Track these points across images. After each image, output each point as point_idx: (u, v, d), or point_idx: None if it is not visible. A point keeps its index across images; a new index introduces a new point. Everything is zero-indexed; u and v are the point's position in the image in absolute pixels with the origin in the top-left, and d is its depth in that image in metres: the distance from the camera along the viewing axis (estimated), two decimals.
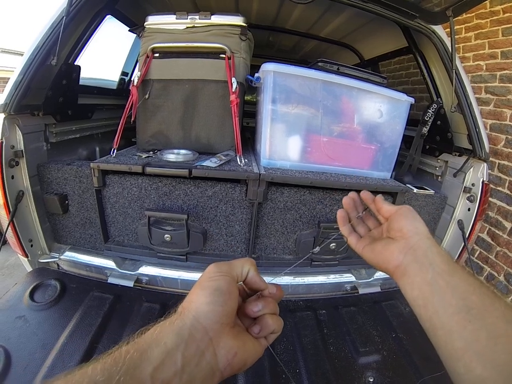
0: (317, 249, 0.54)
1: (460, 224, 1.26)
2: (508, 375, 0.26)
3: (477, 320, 0.29)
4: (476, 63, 2.11)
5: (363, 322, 1.03)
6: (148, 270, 1.15)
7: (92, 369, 0.25)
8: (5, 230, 1.03)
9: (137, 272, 1.14)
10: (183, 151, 1.18)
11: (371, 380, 0.82)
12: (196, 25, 1.15)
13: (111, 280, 1.12)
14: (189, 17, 1.15)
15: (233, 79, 1.09)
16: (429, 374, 0.84)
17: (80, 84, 1.35)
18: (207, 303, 0.31)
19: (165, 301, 1.04)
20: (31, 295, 0.96)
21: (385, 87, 1.18)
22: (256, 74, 1.13)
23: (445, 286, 0.33)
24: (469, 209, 1.25)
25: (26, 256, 1.10)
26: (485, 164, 1.21)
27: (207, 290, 0.32)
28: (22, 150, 1.03)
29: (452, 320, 0.31)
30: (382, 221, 0.47)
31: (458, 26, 2.19)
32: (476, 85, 2.10)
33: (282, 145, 1.14)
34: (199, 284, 0.33)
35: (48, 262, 1.17)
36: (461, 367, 0.29)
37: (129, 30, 1.41)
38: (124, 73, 2.03)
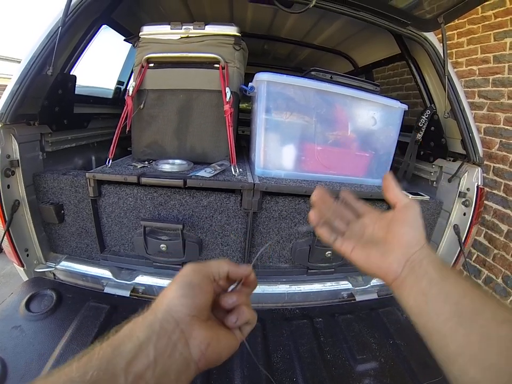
0: (304, 227, 0.51)
1: (456, 228, 1.27)
2: (500, 375, 0.27)
3: (468, 324, 0.30)
4: (469, 68, 2.13)
5: (360, 329, 1.03)
6: (144, 279, 1.14)
7: (68, 367, 0.26)
8: (0, 240, 1.03)
9: (133, 281, 1.14)
10: (178, 161, 1.19)
11: None
12: (190, 35, 1.16)
13: (107, 290, 1.12)
14: (183, 27, 1.16)
15: (227, 89, 1.10)
16: (426, 380, 0.84)
17: (76, 93, 1.35)
18: (177, 296, 0.32)
19: None
20: (27, 305, 0.96)
21: (378, 94, 1.19)
22: (250, 84, 1.14)
23: (437, 293, 0.33)
24: (464, 214, 1.25)
25: (22, 265, 1.10)
26: (479, 168, 1.22)
27: (179, 284, 0.33)
28: (17, 160, 1.03)
29: (445, 326, 0.32)
30: (373, 213, 0.45)
31: (450, 32, 2.21)
32: (469, 89, 2.12)
33: (277, 154, 1.15)
34: (173, 281, 0.34)
35: (44, 271, 1.16)
36: (456, 370, 0.30)
37: (124, 40, 1.42)
38: (119, 83, 2.04)
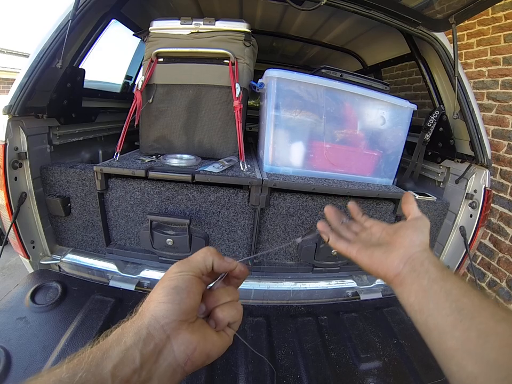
0: (300, 239, 0.54)
1: (462, 230, 1.26)
2: (498, 370, 0.27)
3: (467, 320, 0.31)
4: (478, 69, 2.12)
5: (364, 328, 1.03)
6: (149, 273, 1.15)
7: (58, 368, 0.27)
8: (7, 231, 1.04)
9: (138, 275, 1.14)
10: (186, 156, 1.18)
11: None
12: (200, 30, 1.16)
13: (112, 283, 1.12)
14: (194, 22, 1.16)
15: (237, 85, 1.10)
16: (429, 381, 0.84)
17: (84, 87, 1.35)
18: (164, 302, 0.32)
19: None
20: (32, 297, 0.96)
21: (388, 94, 1.19)
22: (260, 81, 1.13)
23: (438, 291, 0.35)
24: (471, 216, 1.25)
25: (28, 257, 1.11)
26: (487, 171, 1.21)
27: (165, 289, 0.33)
28: (25, 152, 1.03)
29: (445, 321, 0.33)
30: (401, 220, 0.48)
31: (460, 33, 2.20)
32: (478, 91, 2.11)
33: (285, 151, 1.15)
34: (159, 284, 0.34)
35: (49, 264, 1.17)
36: (453, 365, 0.31)
37: (133, 35, 1.42)
38: (127, 77, 2.04)
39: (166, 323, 0.31)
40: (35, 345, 0.81)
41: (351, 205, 0.55)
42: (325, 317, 1.05)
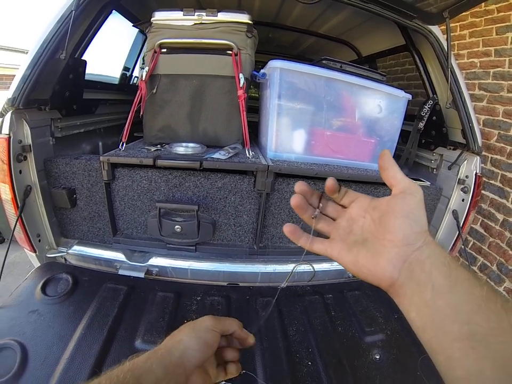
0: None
1: (455, 214, 1.32)
2: None
3: (481, 347, 0.25)
4: (470, 60, 2.16)
5: (367, 305, 1.08)
6: (157, 261, 1.17)
7: None
8: (13, 226, 1.01)
9: (147, 263, 1.16)
10: (191, 144, 1.21)
11: (377, 357, 0.88)
12: (203, 21, 1.18)
13: (121, 272, 1.13)
14: (196, 13, 1.17)
15: (241, 75, 1.12)
16: None
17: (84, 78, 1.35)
18: (194, 349, 0.40)
19: (178, 289, 1.06)
20: (43, 290, 0.96)
21: (384, 84, 1.23)
22: (262, 71, 1.16)
23: (445, 307, 0.27)
24: (463, 200, 1.30)
25: (34, 251, 1.10)
26: (478, 157, 1.26)
27: (199, 339, 0.41)
28: (29, 145, 1.03)
29: (452, 347, 0.26)
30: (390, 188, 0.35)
31: (453, 24, 2.22)
32: (469, 81, 2.15)
33: (288, 138, 1.18)
34: (192, 329, 0.43)
35: (55, 256, 1.17)
36: None
37: (133, 25, 1.42)
38: (125, 69, 2.04)
39: (188, 366, 0.39)
40: (51, 337, 0.81)
41: (331, 182, 0.38)
42: (330, 295, 1.11)
